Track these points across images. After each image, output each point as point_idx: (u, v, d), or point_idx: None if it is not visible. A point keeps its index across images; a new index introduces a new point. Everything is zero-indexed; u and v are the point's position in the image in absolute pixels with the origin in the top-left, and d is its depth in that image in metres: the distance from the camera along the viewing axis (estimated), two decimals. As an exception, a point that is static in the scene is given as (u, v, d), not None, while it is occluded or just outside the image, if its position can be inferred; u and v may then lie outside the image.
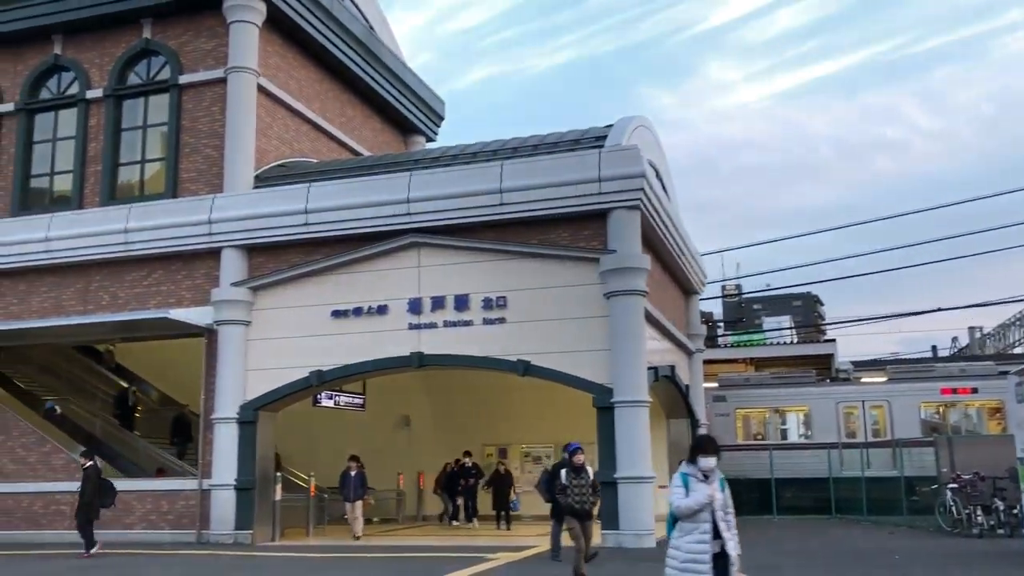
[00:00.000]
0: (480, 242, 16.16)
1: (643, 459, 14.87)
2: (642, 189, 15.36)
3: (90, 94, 18.88)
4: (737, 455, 23.35)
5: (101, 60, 19.00)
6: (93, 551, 14.65)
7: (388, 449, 22.70)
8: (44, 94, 19.46)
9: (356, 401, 22.12)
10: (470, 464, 20.81)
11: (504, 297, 15.92)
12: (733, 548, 5.96)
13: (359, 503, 17.41)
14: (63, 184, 19.01)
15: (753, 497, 23.15)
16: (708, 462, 5.97)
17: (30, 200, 19.17)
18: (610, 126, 16.69)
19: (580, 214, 15.75)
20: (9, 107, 19.39)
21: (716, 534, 5.92)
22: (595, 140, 16.31)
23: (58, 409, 20.41)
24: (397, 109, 23.98)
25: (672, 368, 18.71)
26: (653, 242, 17.01)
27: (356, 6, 22.74)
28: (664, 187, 19.01)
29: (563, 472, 10.94)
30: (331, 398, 21.01)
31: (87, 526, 14.88)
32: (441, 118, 26.15)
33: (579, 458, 10.90)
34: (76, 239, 17.99)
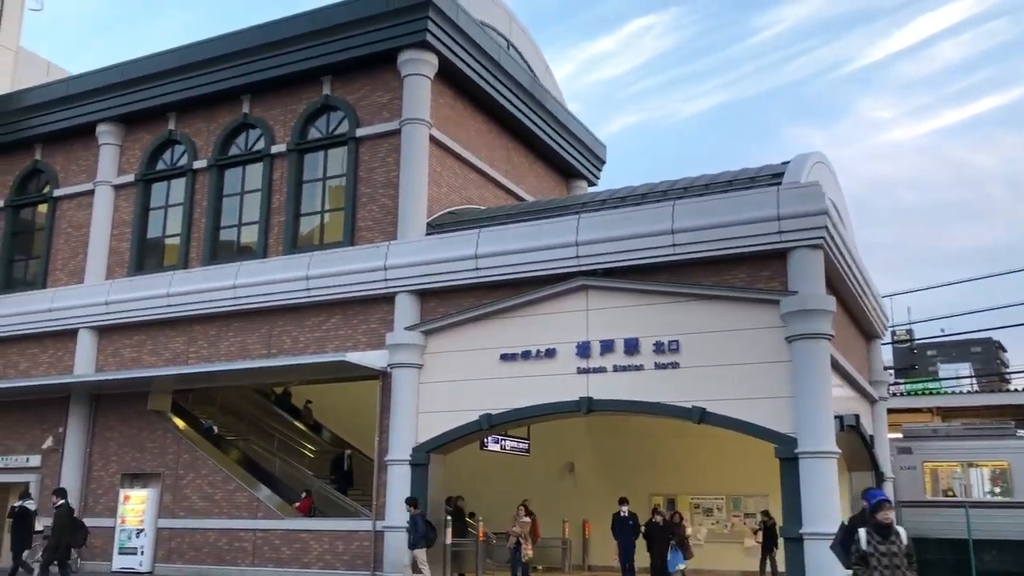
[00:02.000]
0: (651, 284, 15.82)
1: (832, 514, 13.89)
2: (825, 227, 14.63)
3: (274, 149, 19.98)
4: (925, 512, 21.60)
5: (284, 117, 20.11)
6: None
7: (552, 495, 22.43)
8: (233, 150, 20.77)
9: (522, 446, 22.02)
10: (626, 513, 18.70)
11: (677, 341, 15.46)
12: None
13: (422, 551, 16.07)
14: (249, 235, 20.12)
15: (945, 559, 21.29)
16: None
17: (219, 250, 20.39)
18: (786, 163, 16.07)
19: (757, 254, 15.16)
20: (203, 163, 20.80)
21: None
22: (771, 178, 15.72)
23: (215, 429, 21.44)
24: (560, 155, 24.12)
25: (856, 417, 17.56)
26: (835, 283, 16.13)
27: (520, 54, 23.16)
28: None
29: (862, 533, 8.22)
30: (497, 442, 21.01)
31: (49, 567, 14.84)
32: (603, 162, 26.11)
33: (886, 515, 8.16)
34: (261, 286, 18.93)
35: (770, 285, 15.06)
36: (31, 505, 18.99)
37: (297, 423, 24.49)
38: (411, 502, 16.81)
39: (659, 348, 15.52)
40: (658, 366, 15.49)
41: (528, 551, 17.94)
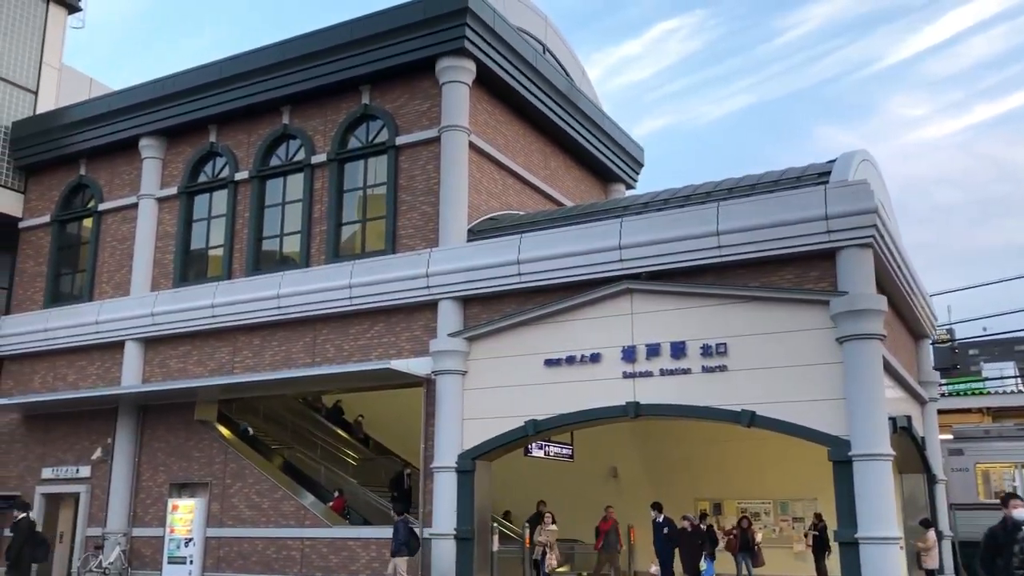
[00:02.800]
0: (696, 287, 15.66)
1: (888, 517, 13.67)
2: (875, 226, 14.38)
3: (315, 159, 20.10)
4: (979, 515, 21.14)
5: (324, 127, 20.23)
6: None
7: (596, 501, 22.22)
8: (274, 161, 20.92)
9: (565, 451, 21.92)
10: (661, 519, 18.42)
11: (724, 344, 15.28)
12: None
13: (402, 560, 16.13)
14: (291, 244, 20.25)
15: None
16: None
17: (262, 261, 20.55)
18: (832, 162, 15.84)
19: (805, 254, 14.94)
20: (244, 175, 20.98)
21: None
22: (818, 177, 15.50)
23: (251, 430, 21.57)
24: (597, 158, 24.02)
25: (908, 419, 17.25)
26: (884, 282, 15.85)
27: (556, 58, 23.11)
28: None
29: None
30: (541, 448, 20.92)
31: None
32: (641, 165, 25.97)
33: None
34: (304, 295, 19.04)
35: (819, 285, 14.84)
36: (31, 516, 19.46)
37: (340, 431, 24.59)
38: (396, 510, 16.84)
39: (706, 351, 15.36)
40: (706, 369, 15.32)
41: (552, 561, 17.67)
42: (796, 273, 15.10)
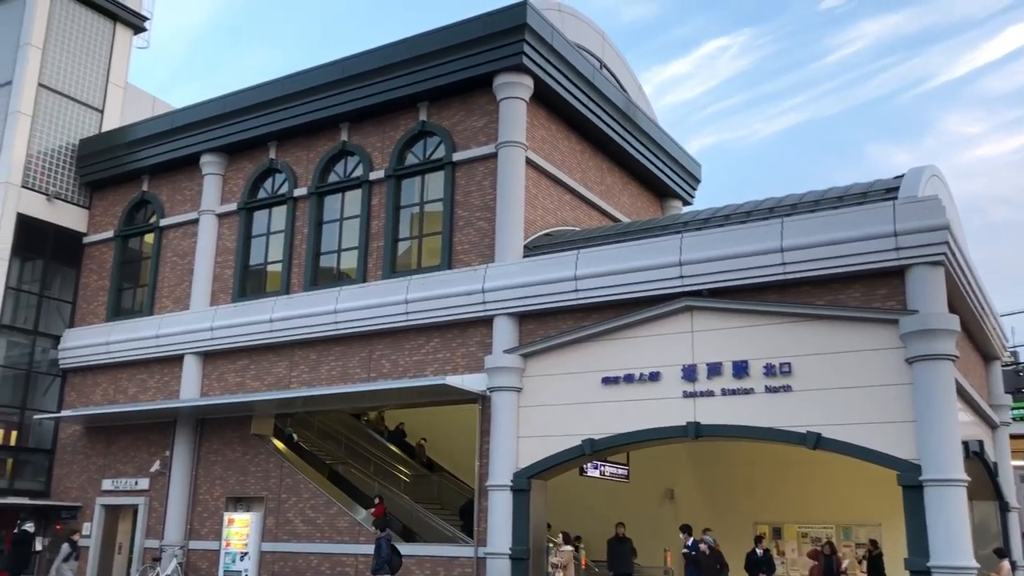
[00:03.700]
0: (760, 304, 15.31)
1: (963, 546, 13.12)
2: (946, 243, 13.93)
3: (372, 175, 20.20)
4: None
5: (382, 143, 20.34)
6: None
7: (652, 523, 21.86)
8: (332, 177, 21.09)
9: (621, 471, 21.60)
10: (690, 543, 17.35)
11: (788, 363, 14.89)
12: None
13: None
14: (349, 260, 20.35)
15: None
16: None
17: (320, 276, 20.68)
18: (900, 177, 15.40)
19: (872, 272, 14.53)
20: (303, 191, 21.18)
21: None
22: (885, 192, 15.07)
23: (295, 437, 21.63)
24: (654, 174, 23.79)
25: (980, 443, 16.62)
26: (955, 301, 15.32)
27: (612, 74, 22.98)
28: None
29: None
30: (597, 468, 20.64)
31: None
32: (698, 181, 25.66)
33: None
34: (361, 311, 19.09)
35: (887, 304, 14.40)
36: (30, 528, 20.54)
37: (393, 447, 24.55)
38: (378, 525, 16.66)
39: (770, 371, 14.99)
40: (769, 389, 14.95)
41: None
42: (863, 291, 14.68)
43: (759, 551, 18.25)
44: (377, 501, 19.90)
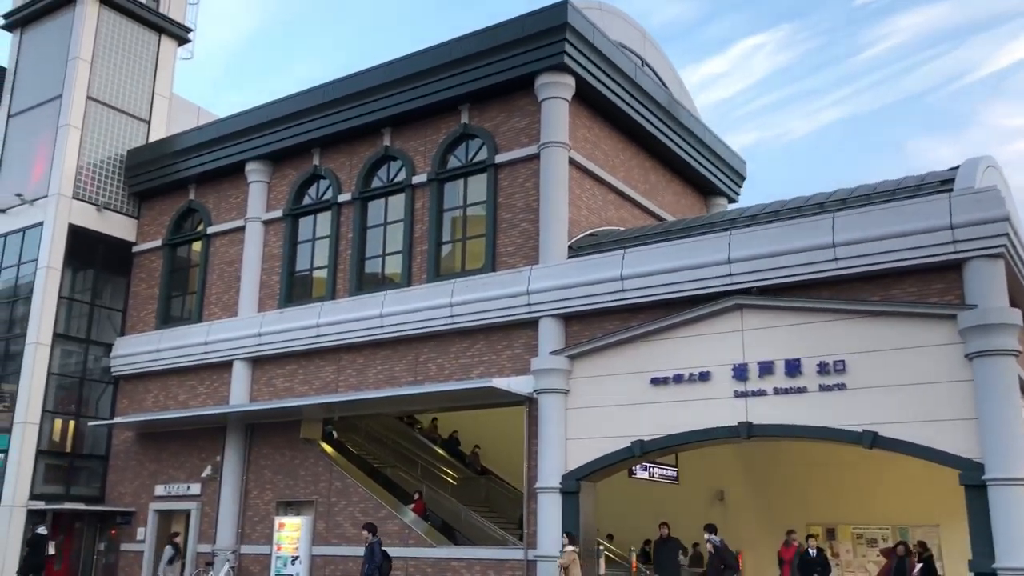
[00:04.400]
0: (812, 301, 15.03)
1: (1029, 547, 12.71)
2: (1006, 235, 13.54)
3: (415, 179, 20.24)
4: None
5: (424, 147, 20.37)
6: None
7: (702, 525, 21.56)
8: (375, 183, 21.17)
9: (670, 473, 21.36)
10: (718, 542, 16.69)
11: (843, 361, 14.58)
12: None
13: None
14: (393, 265, 20.41)
15: None
16: None
17: (365, 281, 20.76)
18: (954, 169, 15.01)
19: (928, 266, 14.18)
20: (347, 196, 21.29)
21: None
22: (939, 185, 14.70)
23: (335, 434, 21.88)
24: (699, 172, 23.53)
25: (1044, 440, 16.09)
26: (1015, 295, 14.87)
27: (654, 71, 22.78)
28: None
29: None
30: (646, 469, 20.44)
31: None
32: (743, 178, 25.33)
33: None
34: (406, 315, 19.12)
35: (944, 299, 14.05)
36: (43, 531, 20.98)
37: (439, 450, 24.57)
38: (369, 528, 16.57)
39: (823, 369, 14.69)
40: (823, 388, 14.65)
41: None
42: (918, 286, 14.35)
43: (812, 551, 17.66)
44: (417, 497, 19.97)
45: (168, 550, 20.85)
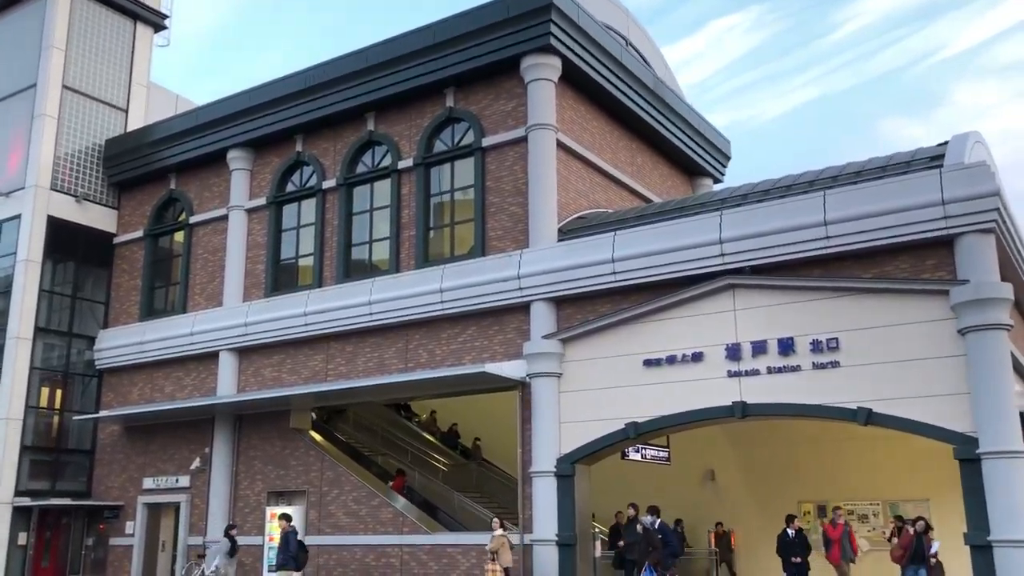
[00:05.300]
0: (804, 280, 15.04)
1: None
2: (997, 209, 13.58)
3: (401, 164, 20.03)
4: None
5: (409, 132, 20.16)
6: None
7: (695, 505, 21.70)
8: (360, 168, 20.93)
9: (662, 454, 21.40)
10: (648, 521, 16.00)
11: (836, 338, 14.60)
12: None
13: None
14: (381, 251, 20.21)
15: None
16: None
17: (352, 268, 20.56)
18: (943, 144, 15.04)
19: (920, 243, 14.21)
20: (332, 183, 21.05)
21: None
22: (929, 161, 14.72)
23: (315, 416, 21.55)
24: (685, 152, 23.47)
25: (1034, 413, 16.24)
26: (1006, 270, 14.94)
27: (639, 52, 22.65)
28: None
29: None
30: (638, 451, 20.45)
31: None
32: (728, 158, 25.30)
33: None
34: (395, 301, 18.97)
35: (936, 275, 14.09)
36: None
37: (428, 436, 24.48)
38: (285, 517, 16.55)
39: (816, 347, 14.71)
40: (816, 366, 14.68)
41: (491, 569, 16.14)
42: (910, 262, 14.38)
43: (791, 531, 17.41)
44: (397, 474, 19.89)
45: (224, 543, 19.41)
